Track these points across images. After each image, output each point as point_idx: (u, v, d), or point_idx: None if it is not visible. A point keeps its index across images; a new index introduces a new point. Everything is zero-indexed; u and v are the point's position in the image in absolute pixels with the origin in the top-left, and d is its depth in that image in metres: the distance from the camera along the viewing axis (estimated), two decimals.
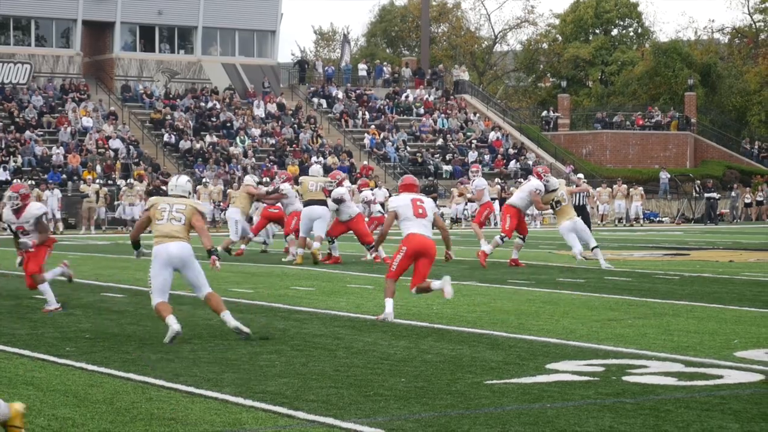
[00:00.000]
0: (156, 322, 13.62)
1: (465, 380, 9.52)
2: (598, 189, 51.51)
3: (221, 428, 7.79)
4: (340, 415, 8.11)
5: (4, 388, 9.22)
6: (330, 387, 9.20)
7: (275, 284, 17.26)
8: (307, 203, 24.14)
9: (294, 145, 57.66)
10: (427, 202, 14.46)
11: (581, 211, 33.11)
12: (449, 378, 9.63)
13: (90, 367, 10.27)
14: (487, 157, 59.96)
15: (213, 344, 11.77)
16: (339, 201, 24.19)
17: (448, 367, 10.23)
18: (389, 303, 14.03)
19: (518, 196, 23.83)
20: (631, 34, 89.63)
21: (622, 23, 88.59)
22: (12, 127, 53.16)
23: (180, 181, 12.68)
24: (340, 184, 24.68)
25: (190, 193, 12.61)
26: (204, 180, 48.60)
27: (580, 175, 35.84)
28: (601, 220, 51.18)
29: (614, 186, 52.94)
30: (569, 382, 9.44)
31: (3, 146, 50.89)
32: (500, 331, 12.64)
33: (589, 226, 32.85)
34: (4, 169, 48.38)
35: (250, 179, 27.72)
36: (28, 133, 52.60)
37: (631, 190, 52.51)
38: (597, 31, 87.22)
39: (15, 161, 49.67)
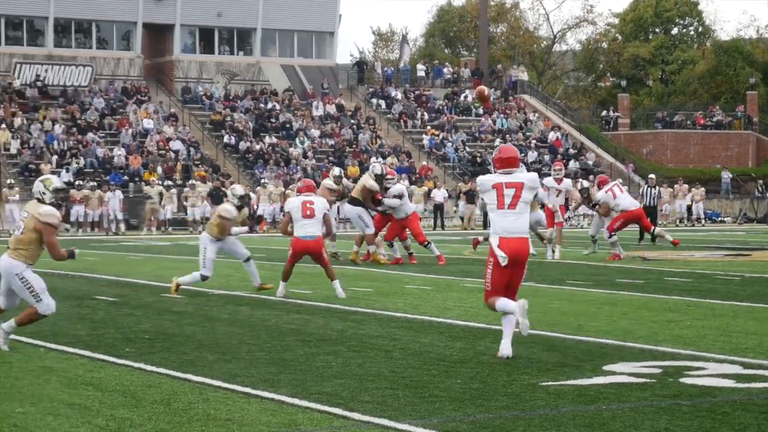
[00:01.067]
0: (214, 323, 13.72)
1: (521, 382, 9.51)
2: (659, 189, 51.13)
3: (277, 429, 7.83)
4: (394, 417, 8.12)
5: (64, 389, 9.33)
6: (386, 388, 9.22)
7: (327, 284, 17.27)
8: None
9: (353, 146, 57.76)
10: (317, 203, 16.78)
11: (652, 211, 33.24)
12: (505, 379, 9.62)
13: (148, 367, 10.36)
14: (546, 157, 59.75)
15: (270, 345, 11.83)
16: (400, 196, 24.17)
17: (504, 368, 10.22)
18: (281, 285, 16.96)
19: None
20: (692, 32, 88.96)
21: (682, 22, 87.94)
22: (74, 129, 53.69)
23: (34, 187, 11.72)
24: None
25: (43, 193, 11.53)
26: (263, 181, 48.82)
27: (652, 176, 35.83)
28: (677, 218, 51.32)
29: (675, 186, 52.65)
30: (626, 383, 9.40)
31: (65, 148, 51.44)
32: (557, 333, 12.60)
33: (655, 226, 32.95)
34: (67, 170, 48.83)
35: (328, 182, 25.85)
36: (90, 135, 53.10)
37: (692, 189, 52.20)
38: (657, 30, 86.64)
39: (77, 163, 50.16)
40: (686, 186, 52.39)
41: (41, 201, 11.51)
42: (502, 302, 10.91)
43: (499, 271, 10.97)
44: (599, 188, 26.03)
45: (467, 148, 60.14)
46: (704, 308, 15.12)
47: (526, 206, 11.06)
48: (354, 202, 24.51)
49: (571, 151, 61.77)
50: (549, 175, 28.77)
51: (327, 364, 10.49)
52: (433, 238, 26.15)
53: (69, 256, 11.55)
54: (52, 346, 11.78)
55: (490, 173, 11.45)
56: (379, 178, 24.07)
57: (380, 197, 24.07)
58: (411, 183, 51.82)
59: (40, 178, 11.79)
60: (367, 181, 24.49)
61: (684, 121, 66.95)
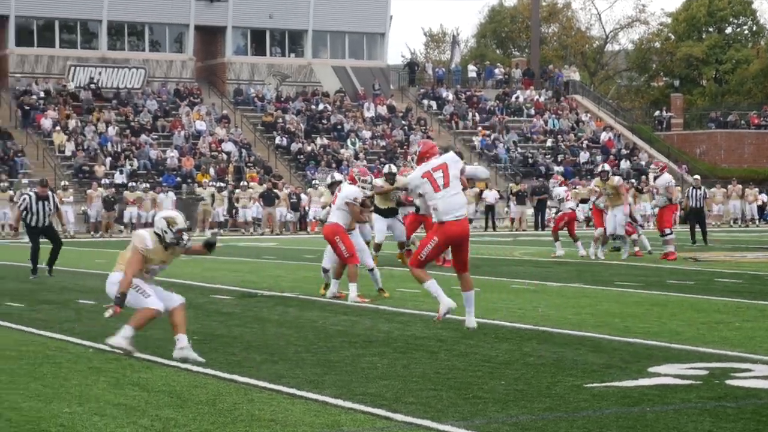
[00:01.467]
0: (263, 324, 13.80)
1: (565, 383, 9.49)
2: (712, 189, 50.73)
3: (320, 430, 7.86)
4: (437, 418, 8.14)
5: (111, 389, 9.42)
6: (430, 389, 9.24)
7: (389, 287, 17.29)
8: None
9: (404, 147, 57.80)
10: (343, 190, 16.88)
11: (699, 212, 33.00)
12: (549, 381, 9.60)
13: (195, 368, 10.43)
14: (599, 158, 59.51)
15: (317, 346, 11.87)
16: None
17: (549, 370, 10.20)
18: (333, 283, 17.08)
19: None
20: (746, 32, 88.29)
21: (736, 21, 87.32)
22: (127, 131, 54.14)
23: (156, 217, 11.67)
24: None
25: (165, 232, 11.38)
26: (314, 182, 48.96)
27: (697, 177, 35.60)
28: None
29: (729, 186, 52.26)
30: (671, 385, 9.35)
31: (119, 150, 51.86)
32: (604, 334, 12.56)
33: (704, 227, 32.70)
34: (120, 172, 49.28)
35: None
36: (143, 136, 53.54)
37: (746, 190, 51.78)
38: (710, 30, 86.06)
39: (131, 164, 50.58)
40: (740, 186, 51.96)
41: (158, 236, 11.34)
42: (432, 286, 12.84)
43: (438, 250, 12.70)
44: (660, 173, 26.26)
45: (519, 149, 60.01)
46: (754, 310, 15.01)
47: (457, 181, 12.53)
48: (377, 211, 24.21)
49: (624, 151, 61.48)
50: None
51: (372, 366, 10.52)
52: (483, 239, 26.05)
53: (120, 298, 11.13)
54: (101, 346, 11.88)
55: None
56: (391, 177, 23.67)
57: (408, 198, 23.85)
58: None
59: (163, 215, 11.52)
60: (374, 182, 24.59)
61: (738, 120, 66.45)
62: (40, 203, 22.21)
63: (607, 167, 26.22)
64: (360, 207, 17.05)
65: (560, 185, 28.17)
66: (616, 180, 25.91)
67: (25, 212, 22.30)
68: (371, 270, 17.26)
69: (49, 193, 22.87)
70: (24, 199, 22.62)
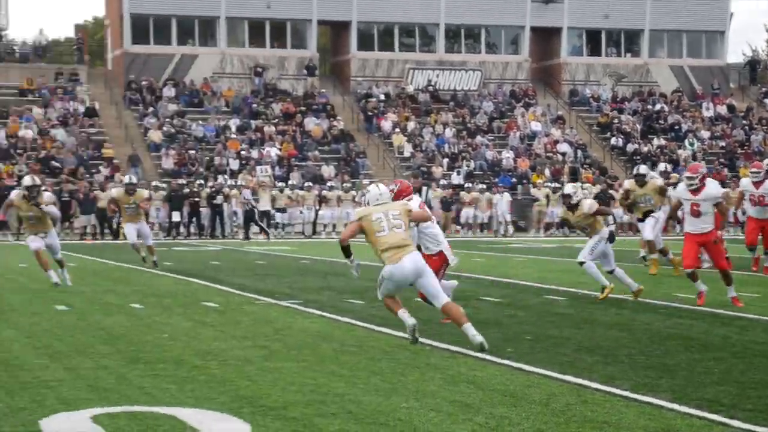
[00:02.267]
0: (594, 326, 13.76)
1: None
2: None
3: None
4: None
5: (447, 386, 9.62)
6: None
7: (717, 289, 16.88)
8: None
9: (745, 148, 56.20)
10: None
11: None
12: None
13: (528, 368, 10.51)
14: None
15: (651, 349, 11.74)
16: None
17: None
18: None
19: None
20: None
21: None
22: (464, 133, 54.93)
23: (382, 189, 12.33)
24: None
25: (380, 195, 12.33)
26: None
27: None
28: None
29: None
30: None
31: (456, 151, 52.71)
32: None
33: None
34: (458, 173, 50.04)
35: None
36: (479, 138, 54.20)
37: None
38: None
39: (467, 165, 51.29)
40: None
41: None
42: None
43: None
44: None
45: None
46: None
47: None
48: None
49: None
50: None
51: (708, 370, 10.32)
52: None
53: None
54: (437, 344, 12.14)
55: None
56: (640, 178, 22.47)
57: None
58: None
59: (376, 182, 12.82)
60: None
61: None
62: (415, 195, 22.41)
63: None
64: None
65: None
66: None
67: None
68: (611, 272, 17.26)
69: (423, 187, 22.98)
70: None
